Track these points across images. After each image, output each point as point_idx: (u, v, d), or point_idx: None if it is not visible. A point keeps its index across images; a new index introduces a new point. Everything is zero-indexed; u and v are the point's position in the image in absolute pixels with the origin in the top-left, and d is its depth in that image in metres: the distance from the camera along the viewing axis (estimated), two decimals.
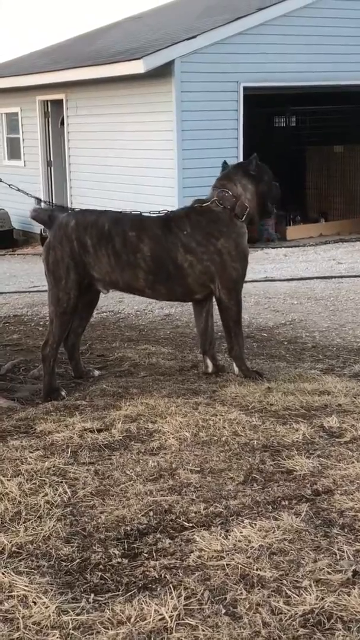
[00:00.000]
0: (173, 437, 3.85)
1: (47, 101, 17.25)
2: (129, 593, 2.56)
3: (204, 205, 4.95)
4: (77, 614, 2.45)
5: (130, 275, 4.86)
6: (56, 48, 20.24)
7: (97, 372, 5.28)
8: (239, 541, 2.83)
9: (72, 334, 5.18)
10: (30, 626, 2.41)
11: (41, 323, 7.45)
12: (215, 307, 5.10)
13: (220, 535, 2.88)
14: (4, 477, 3.42)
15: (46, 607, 2.48)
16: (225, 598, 2.51)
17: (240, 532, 2.88)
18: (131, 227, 4.86)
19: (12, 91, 17.99)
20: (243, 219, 4.97)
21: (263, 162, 5.19)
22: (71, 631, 2.37)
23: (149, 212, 5.22)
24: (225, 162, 5.22)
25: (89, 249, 4.85)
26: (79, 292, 4.91)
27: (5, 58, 23.27)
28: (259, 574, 2.62)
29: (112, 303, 8.27)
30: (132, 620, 2.41)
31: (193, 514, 3.06)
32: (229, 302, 4.93)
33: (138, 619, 2.41)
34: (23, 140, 18.25)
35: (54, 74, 16.04)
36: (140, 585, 2.62)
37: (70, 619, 2.42)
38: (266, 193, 5.10)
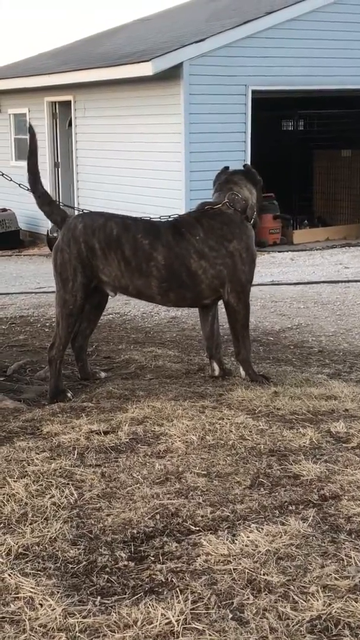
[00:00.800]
0: (180, 441, 3.84)
1: (55, 102, 17.28)
2: (136, 596, 2.55)
3: (215, 207, 4.95)
4: (84, 617, 2.44)
5: (143, 283, 4.85)
6: (65, 49, 20.28)
7: (103, 374, 5.28)
8: (246, 546, 2.82)
9: (80, 336, 5.18)
10: (36, 628, 2.40)
11: (47, 324, 7.45)
12: (222, 311, 5.10)
13: (227, 540, 2.87)
14: (10, 478, 3.42)
15: (52, 610, 2.47)
16: (232, 603, 2.50)
17: (247, 537, 2.87)
18: (143, 233, 4.85)
19: (20, 92, 18.02)
20: (252, 222, 5.00)
21: (259, 168, 5.39)
22: (77, 634, 2.37)
23: (158, 217, 5.24)
24: (226, 167, 5.27)
25: (97, 252, 4.83)
26: (86, 295, 4.90)
27: (14, 59, 23.33)
28: (266, 579, 2.62)
29: (119, 305, 8.27)
30: (138, 623, 2.40)
31: (200, 518, 3.05)
32: (238, 306, 4.93)
33: (145, 623, 2.40)
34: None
35: (62, 76, 16.07)
36: (146, 588, 2.61)
37: (77, 622, 2.41)
38: (261, 199, 5.23)
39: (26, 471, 3.51)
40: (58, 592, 2.57)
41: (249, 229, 4.98)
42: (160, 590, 2.59)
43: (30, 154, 5.01)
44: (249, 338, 5.12)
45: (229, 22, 14.33)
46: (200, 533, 2.94)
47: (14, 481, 3.38)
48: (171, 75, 13.30)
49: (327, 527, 2.97)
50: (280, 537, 2.87)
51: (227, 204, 4.94)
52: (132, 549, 2.85)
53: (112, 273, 4.86)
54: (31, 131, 5.10)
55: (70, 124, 16.91)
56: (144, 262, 4.81)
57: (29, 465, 3.58)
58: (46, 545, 2.88)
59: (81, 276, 4.85)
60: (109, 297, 5.18)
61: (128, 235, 4.83)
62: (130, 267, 4.82)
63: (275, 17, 14.03)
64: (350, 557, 2.74)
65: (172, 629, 2.38)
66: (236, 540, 2.86)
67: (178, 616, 2.42)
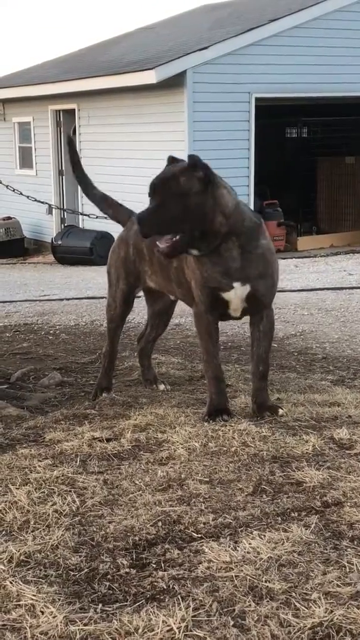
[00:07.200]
0: (182, 447, 3.83)
1: (59, 111, 17.34)
2: (137, 603, 2.55)
3: None
4: (85, 624, 2.43)
5: (166, 285, 4.56)
6: (69, 58, 20.35)
7: (162, 386, 5.06)
8: (248, 552, 2.81)
9: (144, 340, 5.13)
10: (37, 636, 2.40)
11: (51, 332, 7.45)
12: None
13: (229, 547, 2.86)
14: (12, 485, 3.42)
15: (54, 617, 2.46)
16: (234, 610, 2.49)
17: (249, 544, 2.87)
18: None
19: (24, 100, 18.09)
20: None
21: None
22: None
23: None
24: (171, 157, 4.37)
25: (145, 256, 4.53)
26: (125, 302, 4.78)
27: (18, 67, 23.41)
28: (267, 586, 2.61)
29: None
30: (139, 631, 2.39)
31: (202, 525, 3.05)
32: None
33: (146, 630, 2.40)
34: (35, 149, 18.34)
35: (66, 84, 16.12)
36: (148, 595, 2.60)
37: (78, 629, 2.41)
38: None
39: (28, 478, 3.50)
40: (59, 600, 2.56)
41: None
42: (161, 597, 2.59)
43: None
44: (209, 371, 4.35)
45: (233, 30, 14.37)
46: (202, 540, 2.94)
47: (16, 488, 3.38)
48: (175, 83, 13.34)
49: (329, 534, 2.96)
50: (282, 544, 2.87)
51: None
52: (134, 556, 2.85)
53: (156, 278, 4.56)
54: None
55: (74, 132, 16.96)
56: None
57: (31, 472, 3.58)
58: (48, 553, 2.87)
59: (122, 282, 4.72)
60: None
61: None
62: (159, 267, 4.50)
63: (278, 24, 14.08)
64: (353, 564, 2.73)
65: (173, 636, 2.37)
66: (238, 547, 2.86)
67: (179, 623, 2.41)
